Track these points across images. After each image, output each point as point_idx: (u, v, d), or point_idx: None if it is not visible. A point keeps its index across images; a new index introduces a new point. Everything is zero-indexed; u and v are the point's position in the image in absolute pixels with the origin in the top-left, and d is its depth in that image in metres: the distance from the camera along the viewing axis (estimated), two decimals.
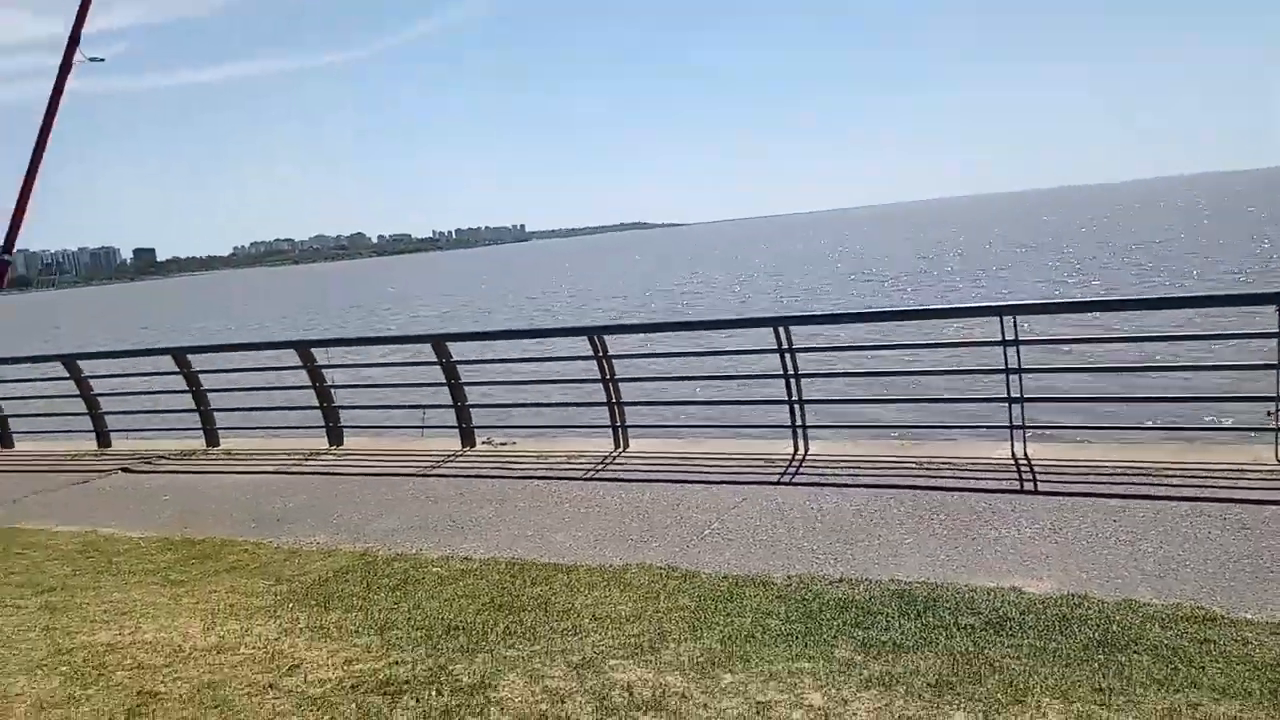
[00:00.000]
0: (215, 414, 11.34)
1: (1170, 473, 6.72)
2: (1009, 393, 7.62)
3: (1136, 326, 12.57)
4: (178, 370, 11.24)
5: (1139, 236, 58.86)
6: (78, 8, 3.01)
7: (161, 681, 4.46)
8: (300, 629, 5.06)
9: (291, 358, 10.68)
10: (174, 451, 11.06)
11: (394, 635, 4.85)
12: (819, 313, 23.18)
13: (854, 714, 3.64)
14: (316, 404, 10.65)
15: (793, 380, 8.42)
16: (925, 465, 7.48)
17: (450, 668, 4.35)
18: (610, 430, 9.24)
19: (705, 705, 3.79)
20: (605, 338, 9.20)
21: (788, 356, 8.40)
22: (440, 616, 5.09)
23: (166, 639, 5.04)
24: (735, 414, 10.14)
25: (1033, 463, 7.27)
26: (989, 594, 4.86)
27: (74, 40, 2.93)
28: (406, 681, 4.23)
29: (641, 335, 11.95)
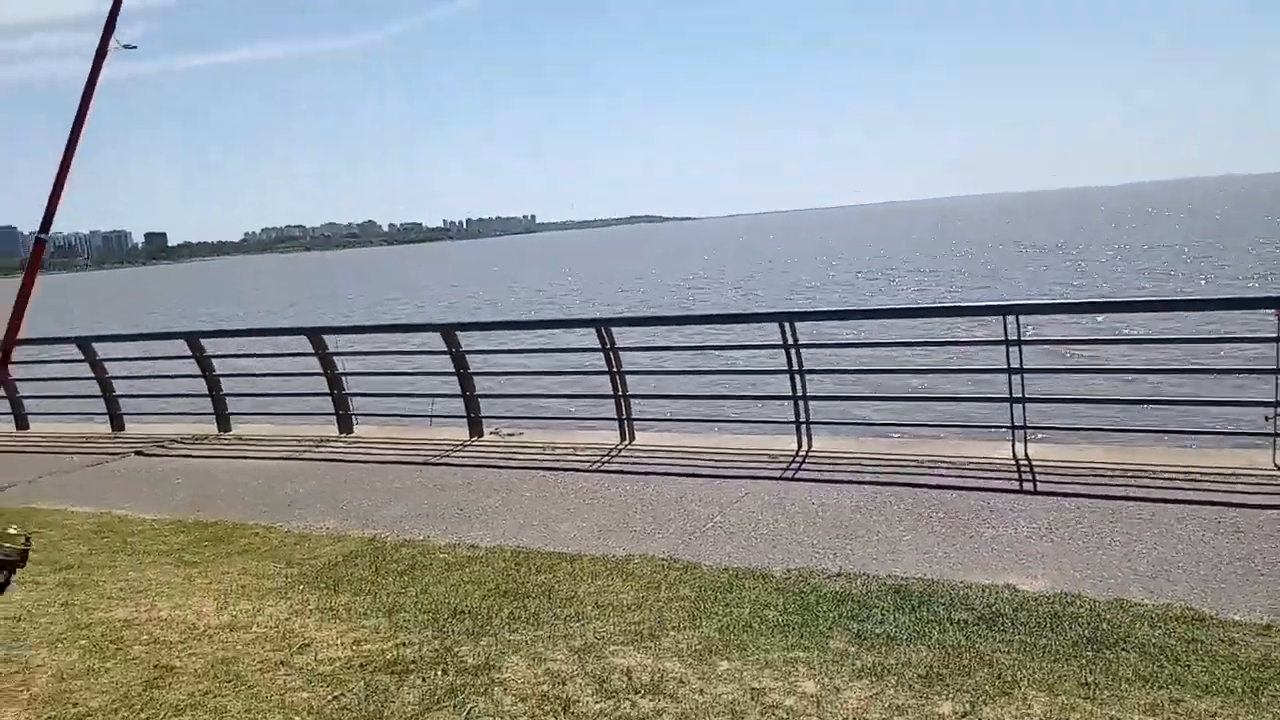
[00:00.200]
0: (227, 399, 11.50)
1: (1168, 476, 6.82)
2: (1010, 393, 7.72)
3: (1139, 329, 12.64)
4: (191, 355, 11.39)
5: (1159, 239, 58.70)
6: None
7: (177, 656, 4.60)
8: (310, 610, 5.20)
9: (303, 344, 10.83)
10: (186, 436, 11.22)
11: (401, 618, 4.99)
12: (823, 308, 23.24)
13: (845, 702, 3.76)
14: (327, 391, 10.80)
15: (797, 376, 8.52)
16: (926, 463, 7.58)
17: (456, 649, 4.49)
18: (616, 423, 9.36)
19: (702, 690, 3.91)
20: (613, 330, 9.31)
21: (792, 352, 8.50)
22: (447, 601, 5.23)
23: (181, 616, 5.18)
24: (740, 409, 10.25)
25: (1033, 463, 7.37)
26: (983, 590, 4.97)
27: (110, 26, 3.04)
28: (413, 662, 4.37)
29: (649, 328, 12.04)
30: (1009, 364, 7.68)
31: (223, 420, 11.50)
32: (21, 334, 3.58)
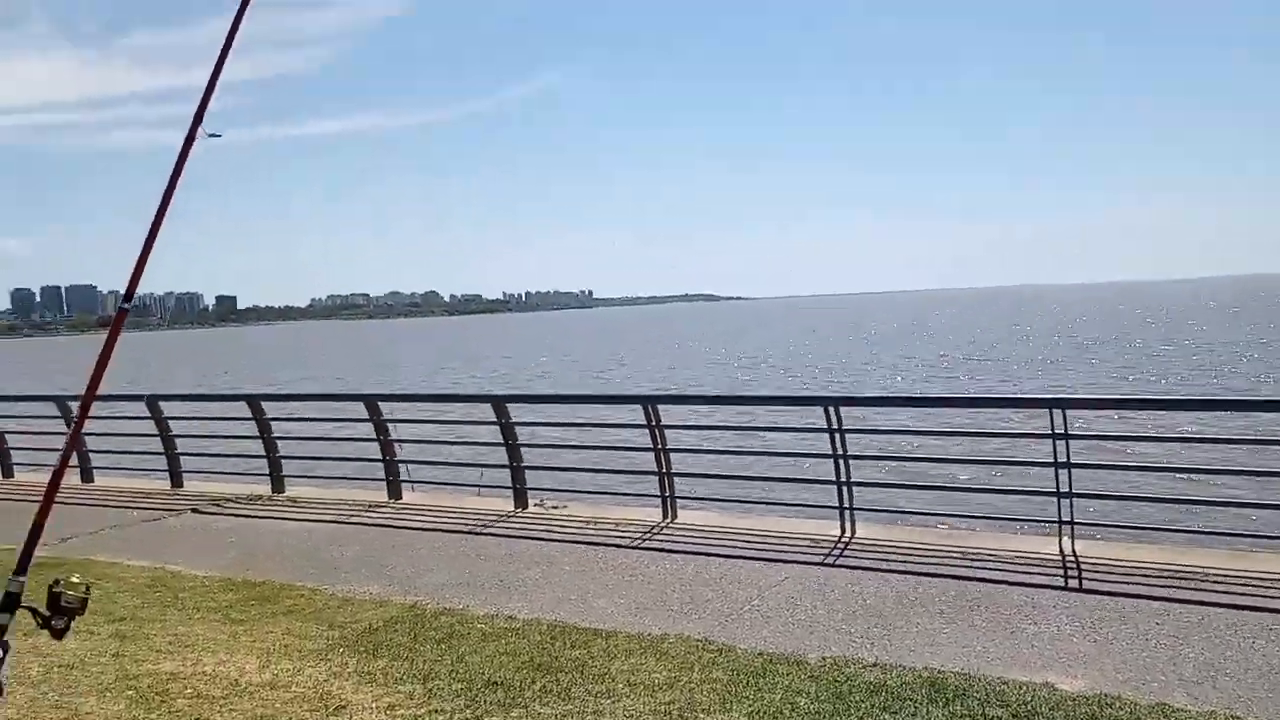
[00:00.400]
0: (282, 461, 11.80)
1: (1220, 579, 6.65)
2: (1058, 487, 7.63)
3: (1192, 427, 12.42)
4: (251, 417, 11.75)
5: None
6: (205, 86, 3.41)
7: (218, 711, 4.73)
8: (349, 673, 5.31)
9: (358, 409, 11.12)
10: (241, 495, 11.51)
11: (436, 685, 5.07)
12: (870, 395, 23.12)
13: None
14: (379, 457, 11.04)
15: (841, 461, 8.52)
16: (970, 555, 7.50)
17: (486, 719, 4.54)
18: (659, 500, 9.41)
19: None
20: (659, 407, 9.43)
21: (837, 437, 8.52)
22: (481, 671, 5.29)
23: (224, 672, 5.32)
24: (784, 492, 10.24)
25: (1080, 559, 7.25)
26: (1020, 688, 4.89)
27: (199, 116, 3.32)
28: None
29: (695, 406, 12.13)
30: (1055, 458, 7.62)
31: (277, 481, 11.77)
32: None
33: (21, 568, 2.86)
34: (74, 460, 12.97)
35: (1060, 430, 7.61)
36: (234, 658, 5.61)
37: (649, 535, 8.72)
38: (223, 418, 13.34)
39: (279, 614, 6.62)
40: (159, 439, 12.43)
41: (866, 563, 7.51)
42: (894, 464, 10.61)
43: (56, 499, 2.95)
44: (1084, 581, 6.76)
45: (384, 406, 11.12)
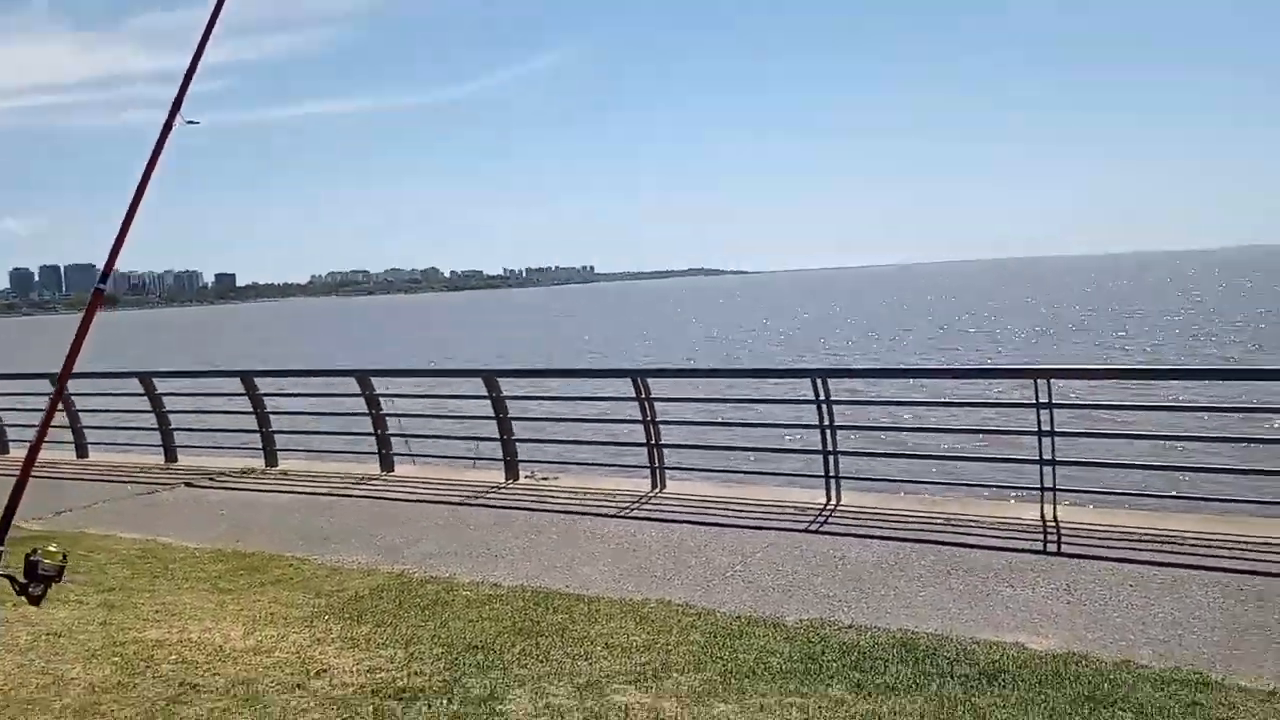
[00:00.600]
0: (275, 435, 11.88)
1: (1197, 542, 6.73)
2: (1040, 455, 7.70)
3: (1180, 396, 12.50)
4: (244, 392, 11.81)
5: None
6: (183, 75, 3.45)
7: (202, 675, 4.83)
8: (332, 639, 5.40)
9: (351, 385, 11.18)
10: (234, 469, 11.60)
11: (417, 649, 5.16)
12: (856, 366, 23.18)
13: None
14: (371, 430, 11.12)
15: (828, 431, 8.59)
16: (953, 522, 7.58)
17: (464, 681, 4.64)
18: (649, 471, 9.49)
19: None
20: (648, 380, 9.48)
21: (824, 408, 8.58)
22: (463, 635, 5.38)
23: (209, 639, 5.41)
24: (771, 462, 10.32)
25: (1060, 525, 7.33)
26: (990, 647, 4.98)
27: (177, 105, 3.36)
28: (422, 690, 4.53)
29: (683, 379, 12.19)
30: (1039, 427, 7.68)
31: (270, 455, 11.85)
32: (83, 368, 3.88)
33: None
34: (69, 436, 13.09)
35: (1044, 400, 7.67)
36: (220, 625, 5.70)
37: (637, 505, 8.80)
38: (216, 393, 13.42)
39: (267, 583, 6.71)
40: (153, 415, 12.51)
41: (850, 529, 7.60)
42: (880, 434, 10.69)
43: (53, 475, 3.03)
44: (1063, 546, 6.84)
45: (376, 382, 11.19)
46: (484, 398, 10.31)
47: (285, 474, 11.33)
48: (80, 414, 13.30)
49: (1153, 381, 13.02)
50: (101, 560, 7.44)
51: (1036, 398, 7.70)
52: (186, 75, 3.39)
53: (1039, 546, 6.87)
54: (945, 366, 20.45)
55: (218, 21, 3.46)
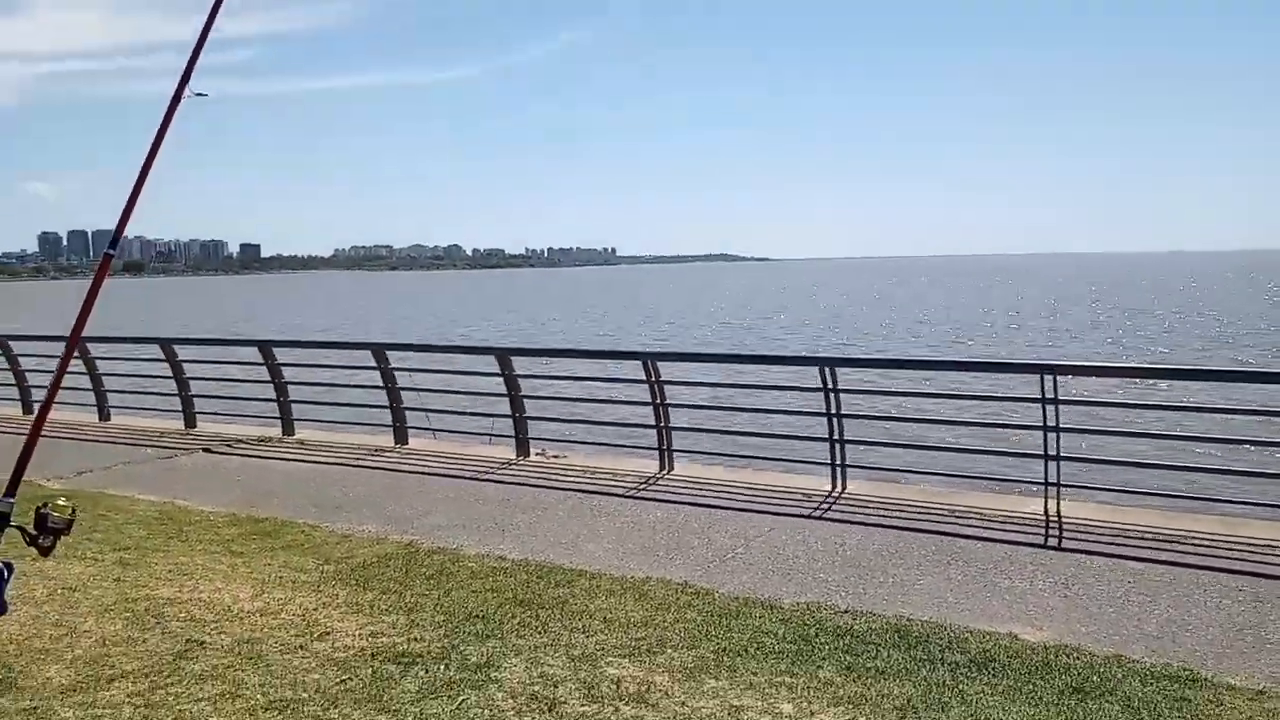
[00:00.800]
0: (293, 405, 12.04)
1: (1199, 542, 6.75)
2: (1045, 449, 7.73)
3: (1182, 395, 12.45)
4: (263, 361, 11.98)
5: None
6: (191, 50, 3.52)
7: (208, 633, 4.97)
8: (337, 603, 5.52)
9: (368, 358, 11.32)
10: (252, 437, 11.77)
11: (419, 617, 5.28)
12: (864, 356, 23.13)
13: None
14: (386, 404, 11.26)
15: (835, 420, 8.64)
16: (956, 513, 7.62)
17: (462, 648, 4.75)
18: (656, 452, 9.58)
19: (683, 703, 4.10)
20: (658, 364, 9.56)
21: (831, 396, 8.63)
22: (465, 605, 5.50)
23: (219, 599, 5.56)
24: (779, 448, 10.38)
25: (1063, 520, 7.37)
26: (984, 637, 5.04)
27: (185, 78, 3.44)
28: (420, 655, 4.65)
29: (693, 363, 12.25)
30: (1045, 421, 7.70)
31: (287, 425, 12.02)
32: (110, 333, 3.99)
33: (10, 490, 3.04)
34: (93, 399, 13.31)
35: (1050, 395, 7.69)
36: (229, 586, 5.84)
37: (644, 485, 8.89)
38: (237, 361, 13.61)
39: (278, 548, 6.85)
40: (173, 381, 12.71)
41: (853, 516, 7.66)
42: (887, 424, 10.72)
43: (76, 436, 3.12)
44: (1064, 541, 6.88)
45: (392, 355, 11.32)
46: (497, 375, 10.42)
47: (301, 443, 11.49)
48: (104, 377, 13.51)
49: (1160, 381, 12.95)
50: (119, 520, 7.60)
51: (1043, 393, 7.72)
52: (195, 48, 3.46)
53: (1040, 541, 6.91)
54: (953, 359, 20.40)
55: None
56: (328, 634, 4.97)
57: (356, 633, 5.00)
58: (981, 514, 7.60)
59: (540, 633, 5.03)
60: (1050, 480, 7.71)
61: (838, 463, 8.61)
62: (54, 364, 3.27)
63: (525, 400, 10.49)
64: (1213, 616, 5.36)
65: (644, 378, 9.59)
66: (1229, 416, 9.42)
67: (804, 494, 8.39)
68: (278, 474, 9.79)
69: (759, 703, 4.10)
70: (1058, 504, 7.66)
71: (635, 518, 7.74)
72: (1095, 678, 4.46)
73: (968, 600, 5.72)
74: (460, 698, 4.16)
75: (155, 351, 12.85)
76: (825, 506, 8.02)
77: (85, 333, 3.48)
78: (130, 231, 3.40)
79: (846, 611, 5.48)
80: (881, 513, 7.77)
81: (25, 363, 14.28)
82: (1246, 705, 4.18)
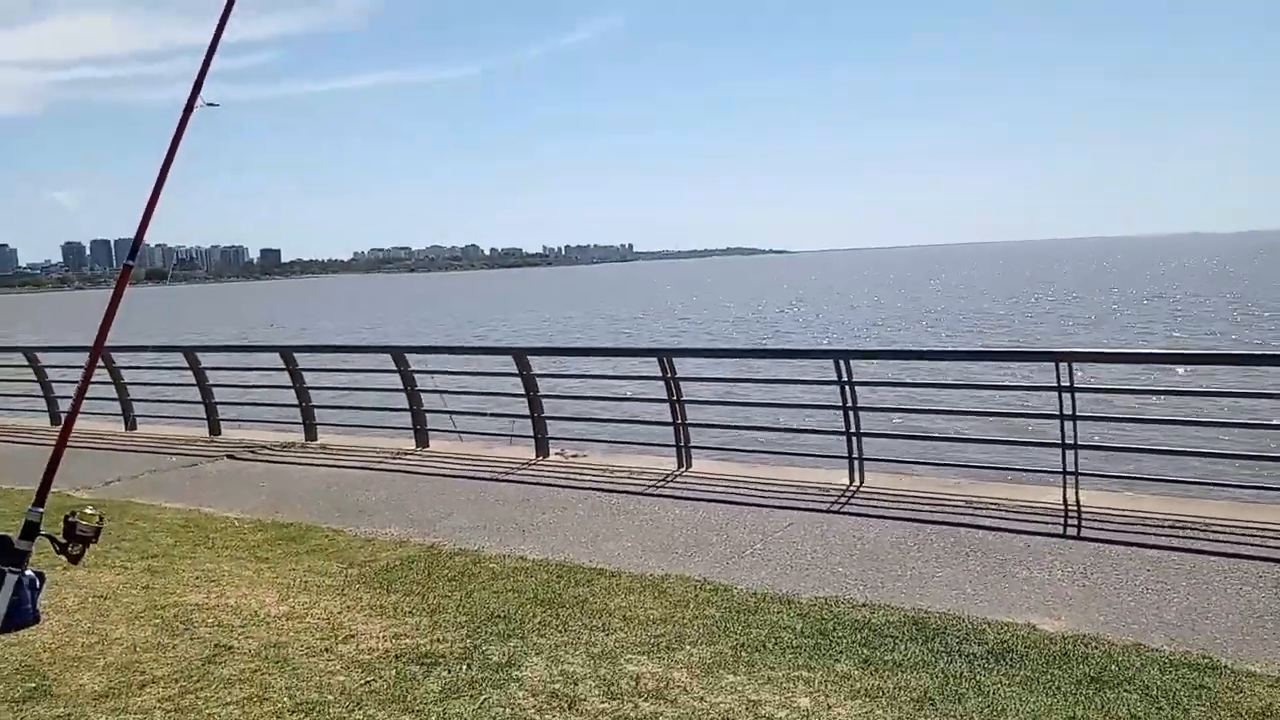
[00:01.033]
0: (315, 410, 12.18)
1: (1219, 529, 6.73)
2: (1063, 438, 7.72)
3: (1205, 382, 12.35)
4: (284, 367, 12.12)
5: None
6: (202, 61, 3.59)
7: (236, 638, 5.07)
8: (361, 606, 5.62)
9: (388, 361, 11.44)
10: (275, 443, 11.92)
11: (442, 618, 5.36)
12: (879, 348, 23.04)
13: (835, 717, 3.95)
14: (407, 407, 11.37)
15: (851, 413, 8.66)
16: (974, 504, 7.63)
17: (484, 648, 4.83)
18: (674, 450, 9.63)
19: (702, 699, 4.15)
20: (674, 360, 9.60)
21: (847, 389, 8.65)
22: (486, 606, 5.57)
23: (246, 604, 5.66)
24: (797, 442, 10.41)
25: (1082, 509, 7.36)
26: (1001, 627, 5.06)
27: (197, 88, 3.50)
28: (443, 656, 4.73)
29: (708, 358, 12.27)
30: (1061, 410, 7.69)
31: (310, 430, 12.16)
32: (134, 341, 4.08)
33: (40, 500, 3.12)
34: (118, 409, 13.51)
35: (1066, 383, 7.68)
36: (256, 591, 5.94)
37: (662, 483, 8.94)
38: (259, 368, 13.77)
39: (303, 553, 6.95)
40: (198, 389, 12.88)
41: (871, 510, 7.68)
42: (903, 416, 10.72)
43: (103, 446, 3.19)
44: (1083, 530, 6.87)
45: (411, 358, 11.43)
46: (515, 375, 10.50)
47: (324, 448, 11.62)
48: (129, 386, 13.71)
49: (1178, 366, 12.85)
50: (146, 529, 7.74)
51: (1058, 381, 7.71)
52: (206, 59, 3.51)
53: (1059, 530, 6.91)
54: (968, 349, 20.32)
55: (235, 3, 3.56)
56: (352, 636, 5.06)
57: (380, 635, 5.09)
58: (999, 504, 7.60)
59: (561, 631, 5.10)
60: (1068, 469, 7.70)
61: (855, 456, 8.62)
62: (79, 374, 3.34)
63: (544, 400, 10.57)
64: (1233, 603, 5.35)
65: (660, 374, 9.64)
66: (1248, 400, 9.33)
67: (821, 488, 8.42)
68: (301, 479, 9.91)
69: (776, 697, 4.15)
70: (1076, 493, 7.65)
71: (654, 515, 7.79)
72: (1114, 667, 4.48)
73: (985, 591, 5.73)
74: (482, 697, 4.24)
75: (179, 360, 13.02)
76: (843, 500, 8.04)
77: (109, 342, 3.55)
78: (151, 240, 3.46)
79: (864, 605, 5.51)
80: (899, 505, 7.79)
81: (51, 374, 14.51)
82: (1267, 692, 4.18)
